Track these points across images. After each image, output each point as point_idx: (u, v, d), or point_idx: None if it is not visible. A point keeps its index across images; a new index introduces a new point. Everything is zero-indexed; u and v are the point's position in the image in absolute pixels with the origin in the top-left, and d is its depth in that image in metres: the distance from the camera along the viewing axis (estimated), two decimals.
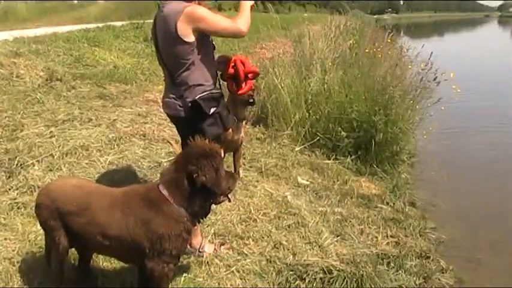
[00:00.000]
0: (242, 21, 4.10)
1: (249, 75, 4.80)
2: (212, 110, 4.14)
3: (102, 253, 3.96)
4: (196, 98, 4.08)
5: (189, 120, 4.18)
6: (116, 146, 6.98)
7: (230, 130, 5.49)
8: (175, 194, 3.32)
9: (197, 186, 3.28)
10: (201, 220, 3.62)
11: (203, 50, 4.15)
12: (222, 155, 6.06)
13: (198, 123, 4.13)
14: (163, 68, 4.29)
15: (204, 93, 4.12)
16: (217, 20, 4.01)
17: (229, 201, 3.70)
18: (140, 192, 3.46)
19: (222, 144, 5.54)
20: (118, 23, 17.95)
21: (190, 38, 3.99)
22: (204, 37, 4.12)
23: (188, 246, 4.57)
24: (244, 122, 6.29)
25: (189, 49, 4.04)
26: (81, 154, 6.53)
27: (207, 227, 5.13)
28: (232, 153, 6.32)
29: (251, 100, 5.81)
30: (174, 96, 4.22)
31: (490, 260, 5.98)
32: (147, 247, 3.31)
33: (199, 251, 4.63)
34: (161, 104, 4.49)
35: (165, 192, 3.32)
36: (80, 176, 5.84)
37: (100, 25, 16.88)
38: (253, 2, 4.29)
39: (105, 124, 7.65)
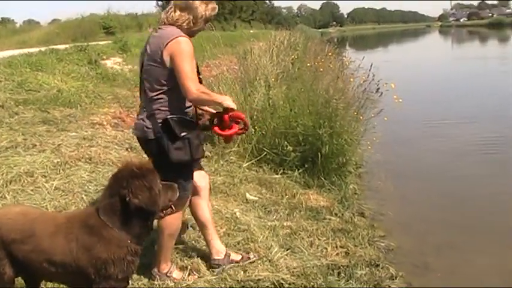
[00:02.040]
0: (200, 94, 4.04)
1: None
2: (182, 134, 4.11)
3: (50, 280, 3.90)
4: (168, 117, 4.10)
5: (156, 141, 4.14)
6: (61, 171, 6.87)
7: None
8: (114, 218, 3.26)
9: (131, 209, 3.25)
10: (145, 239, 3.59)
11: None
12: None
13: (165, 144, 4.09)
14: (141, 88, 4.31)
15: (175, 116, 4.14)
16: (188, 66, 4.01)
17: (173, 210, 3.69)
18: (81, 218, 3.40)
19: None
20: (61, 46, 17.73)
21: (168, 65, 4.05)
22: None
23: (155, 270, 4.58)
24: None
25: (168, 74, 4.07)
26: (25, 181, 6.41)
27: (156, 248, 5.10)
28: None
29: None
30: (143, 117, 4.21)
31: (437, 265, 6.09)
32: (92, 273, 3.26)
33: (167, 275, 4.59)
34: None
35: (104, 217, 3.28)
36: (25, 203, 5.71)
37: (43, 49, 16.62)
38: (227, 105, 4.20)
39: (49, 149, 7.54)
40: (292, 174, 7.93)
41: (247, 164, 8.07)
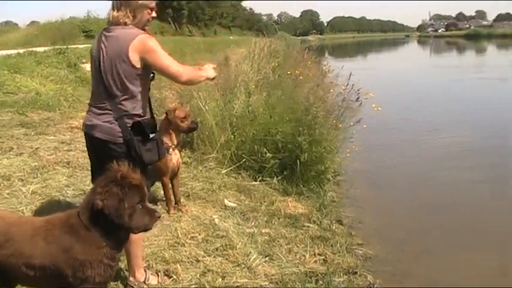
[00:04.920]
0: (189, 71, 4.25)
1: None
2: (152, 135, 4.10)
3: (26, 284, 3.85)
4: (140, 119, 4.08)
5: (126, 144, 4.06)
6: (39, 175, 6.84)
7: (169, 156, 5.91)
8: (90, 218, 3.24)
9: (94, 210, 3.19)
10: (123, 247, 3.56)
11: (146, 80, 4.20)
12: (168, 183, 6.21)
13: (136, 147, 4.05)
14: (101, 89, 4.14)
15: (145, 118, 4.15)
16: (164, 57, 4.09)
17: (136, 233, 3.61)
18: (62, 219, 3.37)
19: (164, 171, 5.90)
20: (40, 49, 17.59)
21: (138, 64, 4.01)
22: (149, 68, 4.14)
23: (131, 279, 4.52)
24: (179, 147, 6.34)
25: (136, 75, 4.05)
26: (2, 184, 6.37)
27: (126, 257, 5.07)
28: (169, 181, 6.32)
29: (193, 126, 6.15)
30: (110, 119, 4.09)
31: (414, 273, 6.13)
32: (70, 275, 3.23)
33: (145, 283, 4.54)
34: (87, 125, 4.23)
35: (82, 217, 3.26)
36: (1, 208, 5.66)
37: (21, 51, 16.52)
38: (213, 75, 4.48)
39: (27, 153, 7.50)
40: (271, 181, 7.94)
41: (226, 170, 8.05)
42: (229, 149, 8.34)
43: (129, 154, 4.03)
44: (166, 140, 5.96)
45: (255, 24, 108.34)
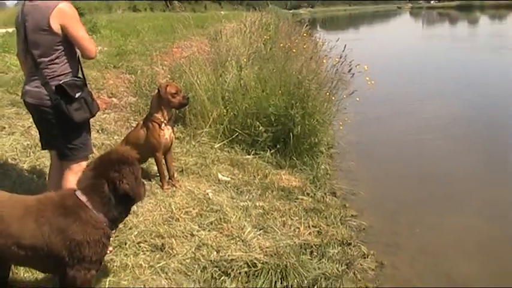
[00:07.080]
0: (95, 50, 4.50)
1: None
2: (77, 94, 4.31)
3: (20, 264, 3.85)
4: (61, 82, 4.27)
5: (55, 107, 4.31)
6: (31, 154, 6.77)
7: (162, 131, 5.91)
8: (95, 200, 3.27)
9: (120, 193, 3.27)
10: (118, 225, 3.59)
11: (71, 43, 4.36)
12: (161, 158, 6.20)
13: (65, 109, 4.27)
14: (27, 57, 4.41)
15: (67, 80, 4.32)
16: (80, 27, 4.33)
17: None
18: (55, 199, 3.37)
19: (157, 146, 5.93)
20: None
21: (59, 31, 4.22)
22: None
23: None
24: (171, 122, 6.33)
25: (58, 41, 4.26)
26: None
27: (130, 229, 5.06)
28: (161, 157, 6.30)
29: (185, 102, 6.23)
30: (38, 84, 4.35)
31: (408, 244, 6.17)
32: (66, 255, 3.24)
33: None
34: (22, 93, 4.58)
35: (83, 198, 3.27)
36: None
37: (10, 30, 16.34)
38: None
39: (19, 132, 7.42)
40: (264, 155, 7.94)
41: (219, 144, 8.05)
42: (221, 124, 8.33)
43: (60, 116, 4.32)
44: (158, 115, 5.97)
45: None
